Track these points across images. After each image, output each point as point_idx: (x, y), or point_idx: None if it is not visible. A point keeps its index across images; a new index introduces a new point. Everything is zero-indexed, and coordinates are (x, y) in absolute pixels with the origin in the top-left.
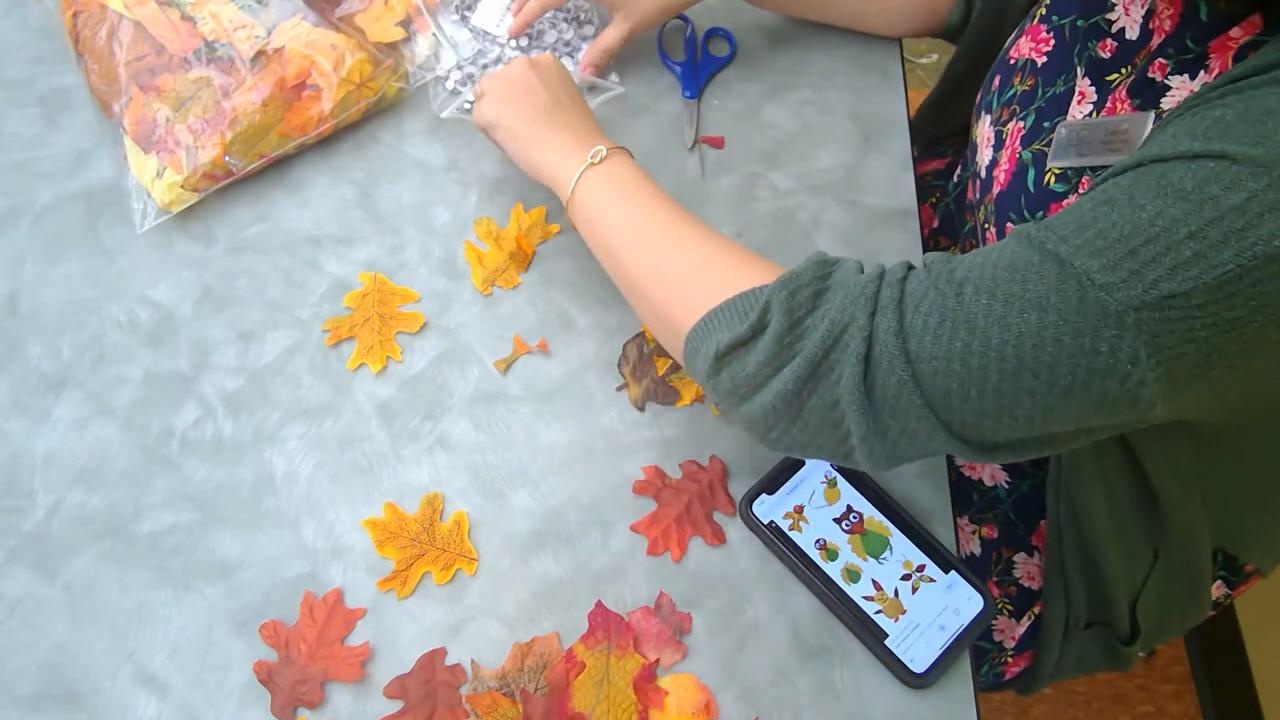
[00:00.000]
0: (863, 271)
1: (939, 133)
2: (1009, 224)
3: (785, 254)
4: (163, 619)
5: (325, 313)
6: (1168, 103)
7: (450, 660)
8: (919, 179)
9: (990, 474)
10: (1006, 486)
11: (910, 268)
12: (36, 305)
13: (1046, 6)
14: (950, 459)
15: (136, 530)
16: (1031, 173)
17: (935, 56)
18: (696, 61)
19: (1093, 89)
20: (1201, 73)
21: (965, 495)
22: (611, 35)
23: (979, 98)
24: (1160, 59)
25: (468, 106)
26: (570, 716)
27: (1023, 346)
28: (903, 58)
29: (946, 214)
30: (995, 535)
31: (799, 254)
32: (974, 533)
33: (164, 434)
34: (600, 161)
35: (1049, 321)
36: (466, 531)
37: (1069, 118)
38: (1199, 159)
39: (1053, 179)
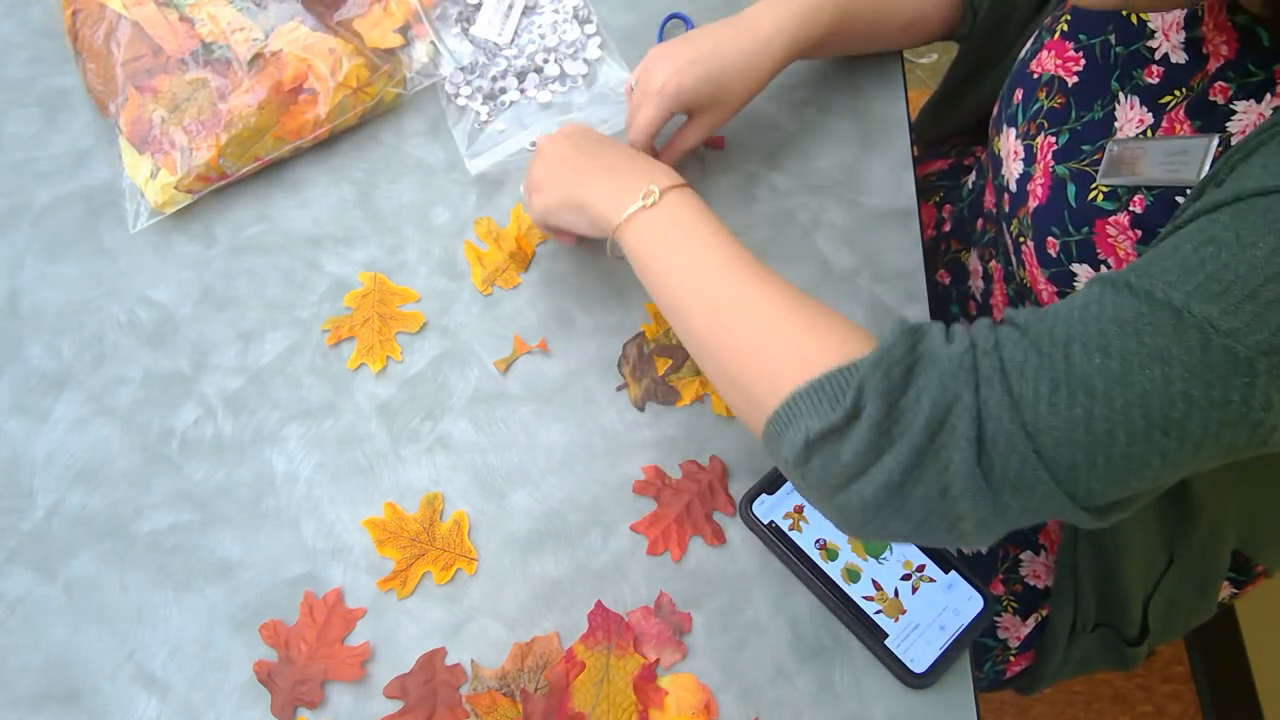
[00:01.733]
0: (948, 335)
1: (939, 134)
2: (1050, 238)
3: (785, 254)
4: (163, 619)
5: (325, 313)
6: (1234, 127)
7: (450, 660)
8: (921, 179)
9: None
10: None
11: (994, 327)
12: (36, 305)
13: (1069, 23)
14: None
15: (136, 530)
16: (1072, 188)
17: (935, 56)
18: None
19: (1149, 113)
20: (1268, 95)
21: None
22: (690, 137)
23: (998, 109)
24: (1220, 82)
25: (499, 158)
26: (570, 716)
27: (1149, 405)
28: (903, 58)
29: (959, 219)
30: None
31: (799, 254)
32: None
33: (164, 434)
34: (654, 204)
35: (1175, 375)
36: (466, 531)
37: (1118, 137)
38: None
39: (1100, 196)
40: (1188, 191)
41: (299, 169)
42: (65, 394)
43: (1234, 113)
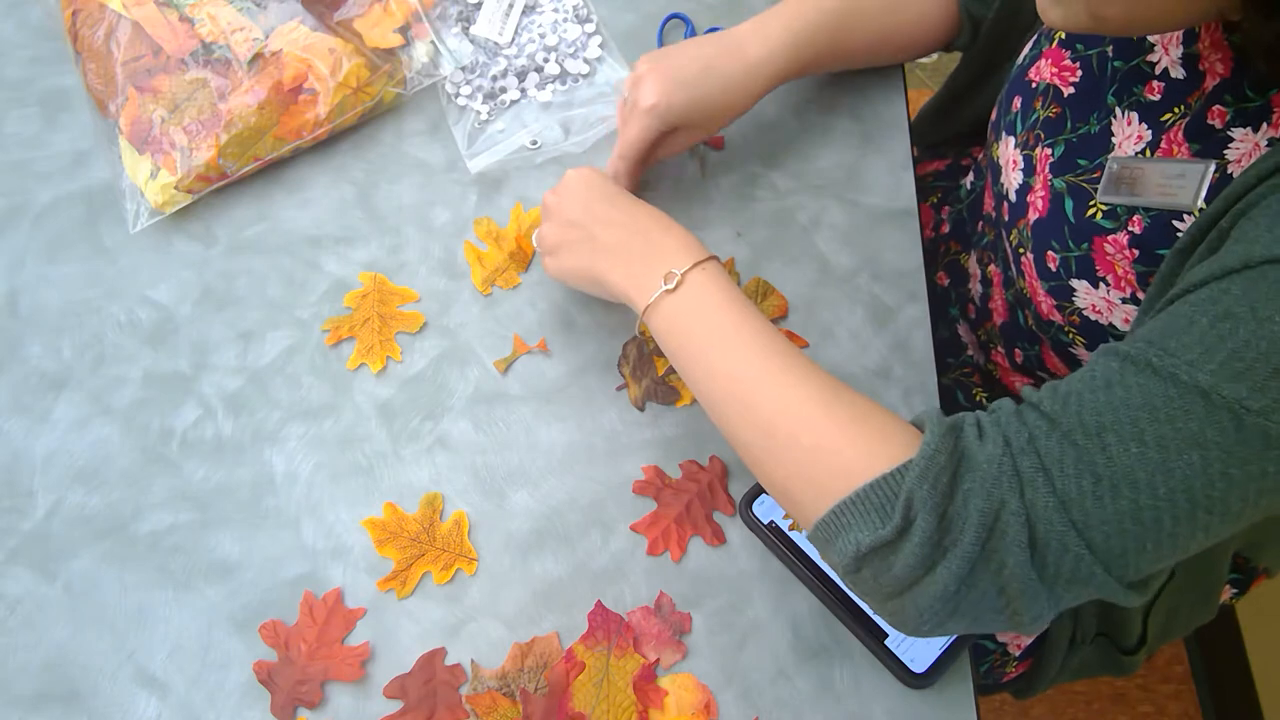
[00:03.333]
0: (980, 432)
1: (939, 137)
2: (1050, 252)
3: (785, 254)
4: (163, 619)
5: (325, 313)
6: (1232, 154)
7: (450, 660)
8: (920, 179)
9: None
10: None
11: (1020, 416)
12: (36, 305)
13: (1067, 32)
14: None
15: (136, 530)
16: (1070, 203)
17: (935, 56)
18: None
19: (1148, 130)
20: (1265, 125)
21: None
22: (672, 148)
23: (996, 115)
24: (1218, 105)
25: (499, 157)
26: (570, 716)
27: (1192, 489)
28: None
29: (958, 220)
30: None
31: (799, 254)
32: None
33: (164, 434)
34: (676, 287)
35: (1213, 458)
36: (466, 531)
37: (1116, 154)
38: None
39: (1100, 214)
40: (1185, 216)
41: (299, 169)
42: (65, 394)
43: (1231, 139)
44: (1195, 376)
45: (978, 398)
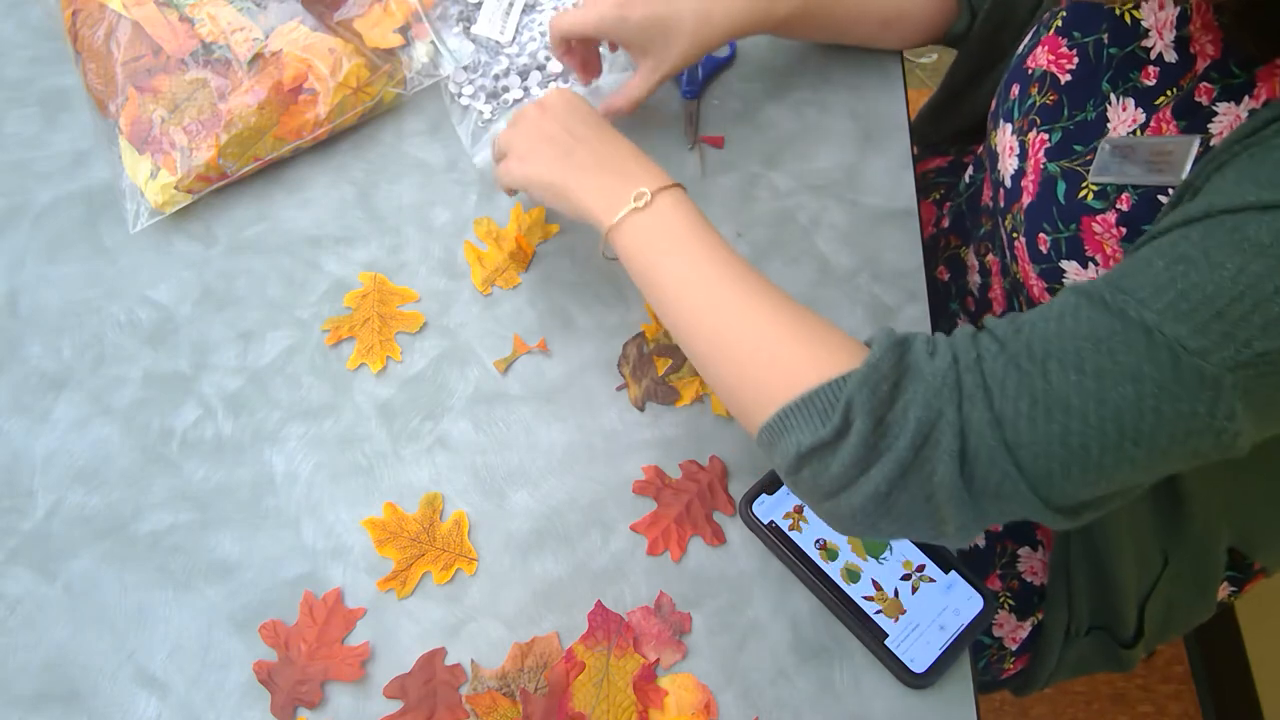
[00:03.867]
0: (930, 348)
1: (939, 136)
2: (1041, 235)
3: (785, 254)
4: (163, 619)
5: (325, 313)
6: (1215, 127)
7: (450, 660)
8: (921, 176)
9: None
10: None
11: (975, 337)
12: (36, 305)
13: (1064, 19)
14: None
15: (136, 530)
16: (1062, 186)
17: (935, 56)
18: (697, 61)
19: (1142, 114)
20: (1247, 98)
21: None
22: (639, 85)
23: (995, 105)
24: (1205, 83)
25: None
26: (570, 716)
27: (1122, 420)
28: (903, 58)
29: (958, 214)
30: (1000, 528)
31: (799, 254)
32: None
33: (164, 434)
34: (645, 205)
35: (1146, 393)
36: (466, 531)
37: (1111, 134)
38: (1270, 210)
39: (1090, 195)
40: (1170, 191)
41: (299, 169)
42: (65, 394)
43: (1215, 114)
44: (1142, 314)
45: None
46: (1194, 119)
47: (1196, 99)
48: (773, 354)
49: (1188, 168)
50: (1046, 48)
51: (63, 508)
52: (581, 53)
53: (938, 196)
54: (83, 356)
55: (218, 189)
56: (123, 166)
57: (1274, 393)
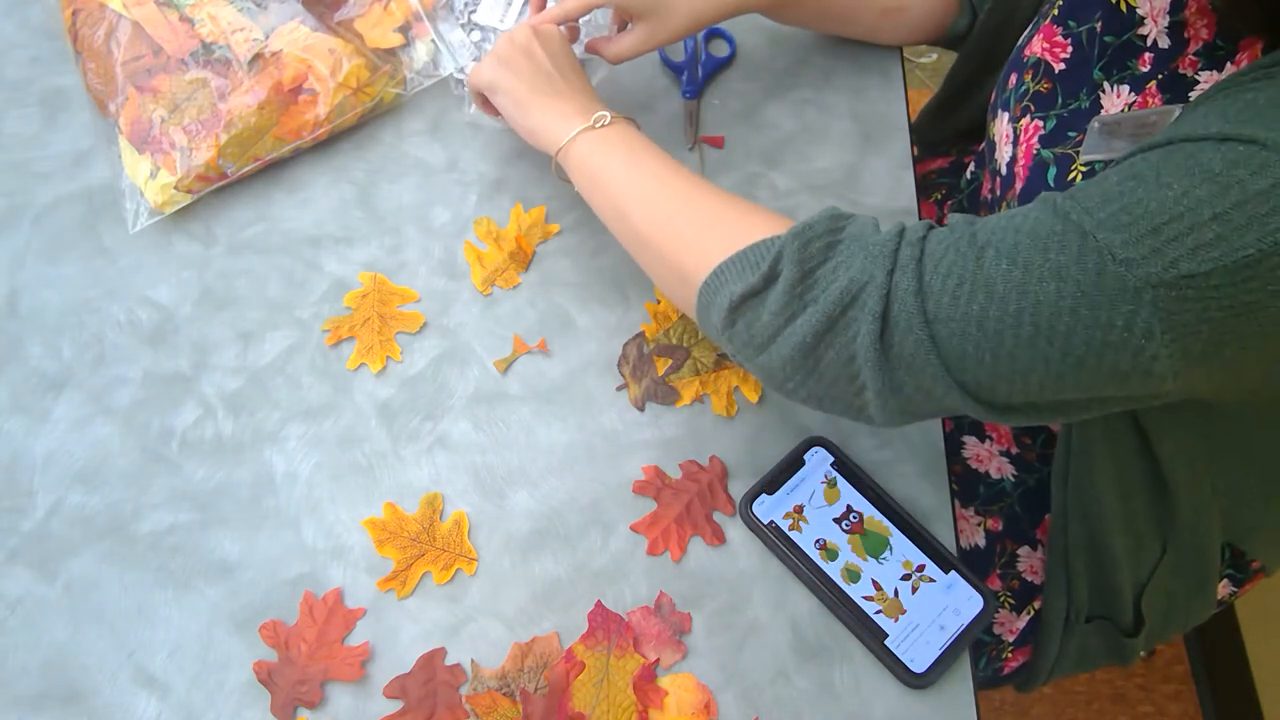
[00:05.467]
0: (878, 228)
1: (940, 135)
2: None
3: None
4: (163, 619)
5: (325, 313)
6: (1195, 94)
7: (450, 660)
8: (921, 177)
9: (997, 467)
10: (1013, 480)
11: (932, 227)
12: (36, 305)
13: (1060, 8)
14: (954, 450)
15: (136, 530)
16: (1053, 170)
17: (935, 56)
18: (696, 61)
19: (1131, 94)
20: (1229, 65)
21: (971, 487)
22: (628, 43)
23: (994, 96)
24: (1191, 56)
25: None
26: (570, 716)
27: (1039, 314)
28: (903, 58)
29: (959, 210)
30: (1000, 528)
31: None
32: (979, 525)
33: (164, 434)
34: (602, 127)
35: (1067, 292)
36: (466, 531)
37: (1101, 113)
38: (1228, 141)
39: (1079, 176)
40: None
41: (299, 169)
42: (65, 394)
43: (1197, 83)
44: (1082, 219)
45: None
46: (1177, 90)
47: (1181, 71)
48: (715, 226)
49: None
50: (1043, 36)
51: (63, 508)
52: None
53: (938, 197)
54: (83, 356)
55: (218, 189)
56: (123, 166)
57: (1196, 323)
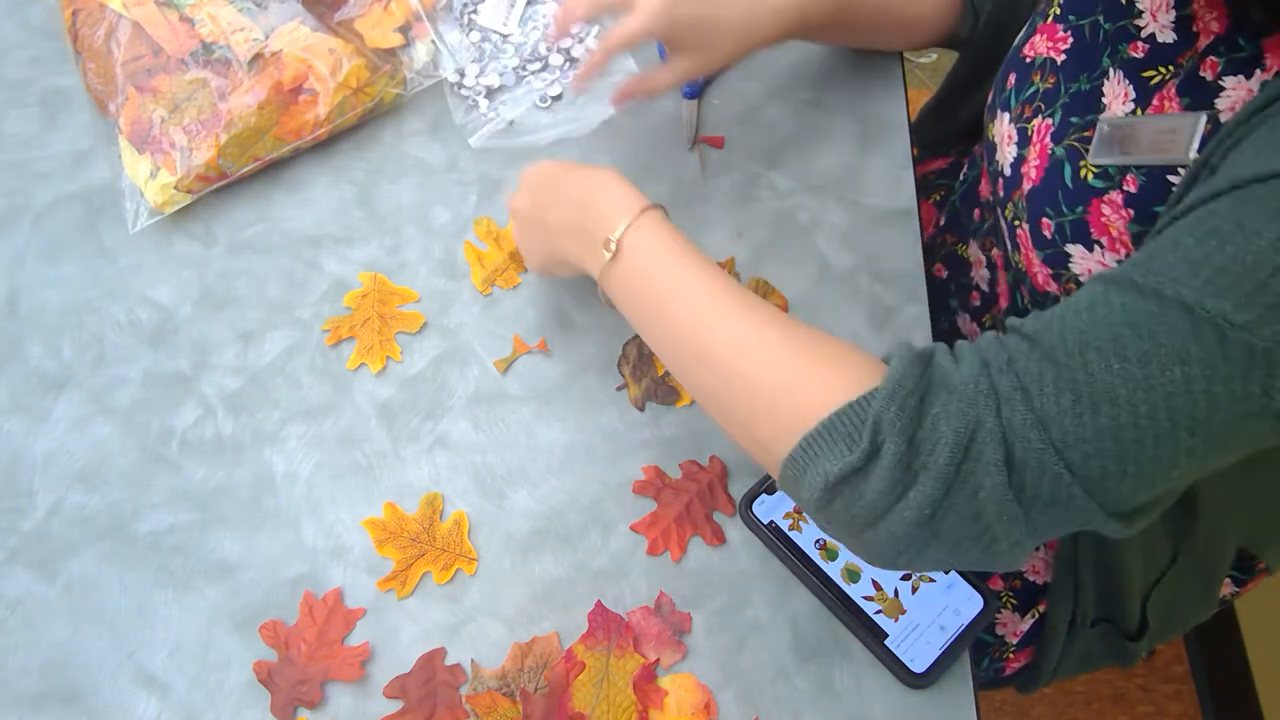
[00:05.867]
0: (955, 356)
1: (939, 136)
2: (1045, 219)
3: (785, 254)
4: (163, 619)
5: (325, 313)
6: (1223, 104)
7: (450, 660)
8: (921, 178)
9: None
10: None
11: (1001, 339)
12: (36, 305)
13: (1061, 6)
14: None
15: (136, 530)
16: (1067, 169)
17: (935, 56)
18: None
19: (1131, 87)
20: (1258, 71)
21: None
22: (667, 78)
23: (992, 96)
24: (1211, 58)
25: (498, 129)
26: (570, 716)
27: (1173, 407)
28: (902, 58)
29: (953, 211)
30: None
31: (799, 254)
32: None
33: (164, 434)
34: (615, 255)
35: (1194, 374)
36: (466, 531)
37: (1107, 115)
38: None
39: (1090, 175)
40: (1179, 171)
41: (299, 169)
42: (65, 394)
43: (1223, 89)
44: (1179, 291)
45: None
46: (1199, 96)
47: (1201, 74)
48: (784, 381)
49: (1195, 145)
50: (1044, 35)
51: (63, 508)
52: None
53: (938, 198)
54: (83, 356)
55: (218, 189)
56: (123, 166)
57: None
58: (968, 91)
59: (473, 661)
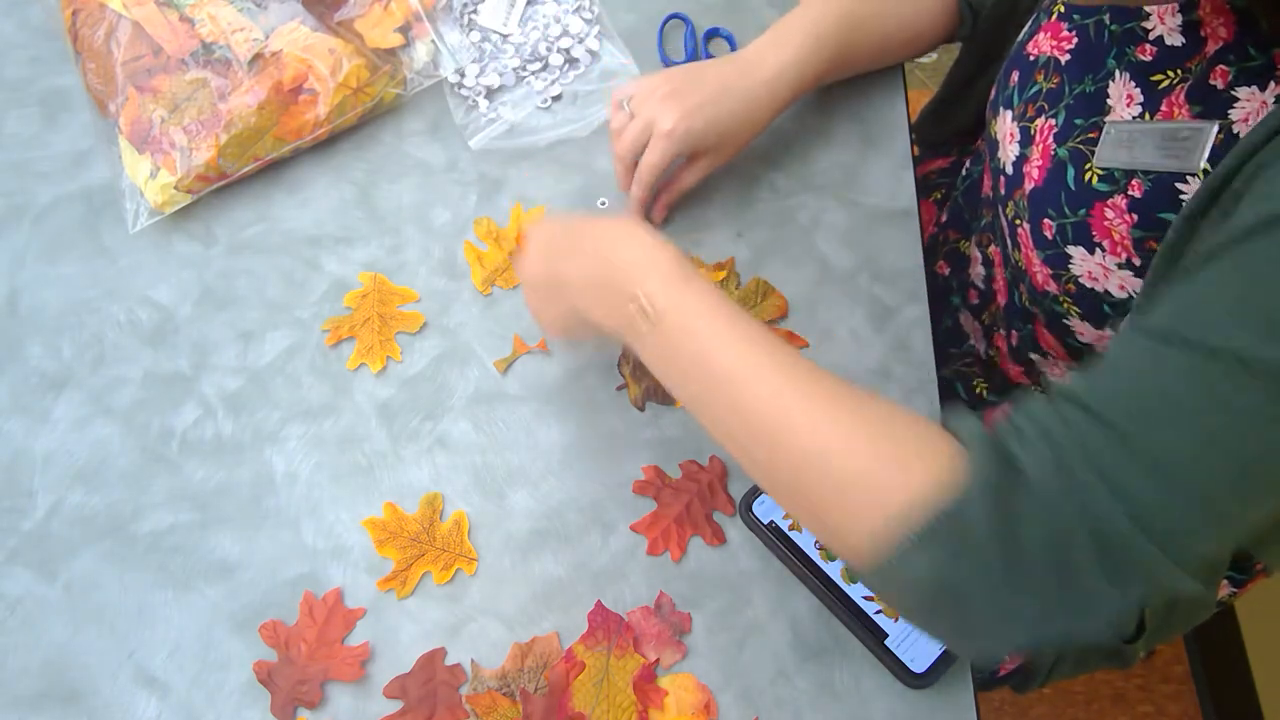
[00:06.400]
0: (1020, 437)
1: (940, 135)
2: (1047, 220)
3: (785, 254)
4: (163, 619)
5: (325, 313)
6: (1237, 114)
7: (450, 660)
8: (922, 177)
9: None
10: None
11: (1055, 409)
12: (36, 305)
13: (1065, 4)
14: None
15: (136, 530)
16: (1070, 170)
17: (935, 56)
18: (697, 61)
19: (1139, 90)
20: (1272, 83)
21: None
22: (690, 178)
23: (994, 93)
24: (1221, 65)
25: (498, 132)
26: (570, 716)
27: (1251, 466)
28: None
29: (955, 209)
30: None
31: (799, 254)
32: None
33: (164, 434)
34: (652, 314)
35: (1261, 425)
36: (466, 531)
37: (1113, 117)
38: None
39: (1095, 178)
40: (1188, 179)
41: (299, 169)
42: (65, 394)
43: (1236, 99)
44: (1231, 344)
45: (978, 389)
46: (1210, 104)
47: (1211, 82)
48: (860, 467)
49: (1205, 154)
50: (1048, 34)
51: (63, 508)
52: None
53: (939, 197)
54: (83, 356)
55: (218, 189)
56: (123, 166)
57: None
58: (969, 89)
59: (473, 661)
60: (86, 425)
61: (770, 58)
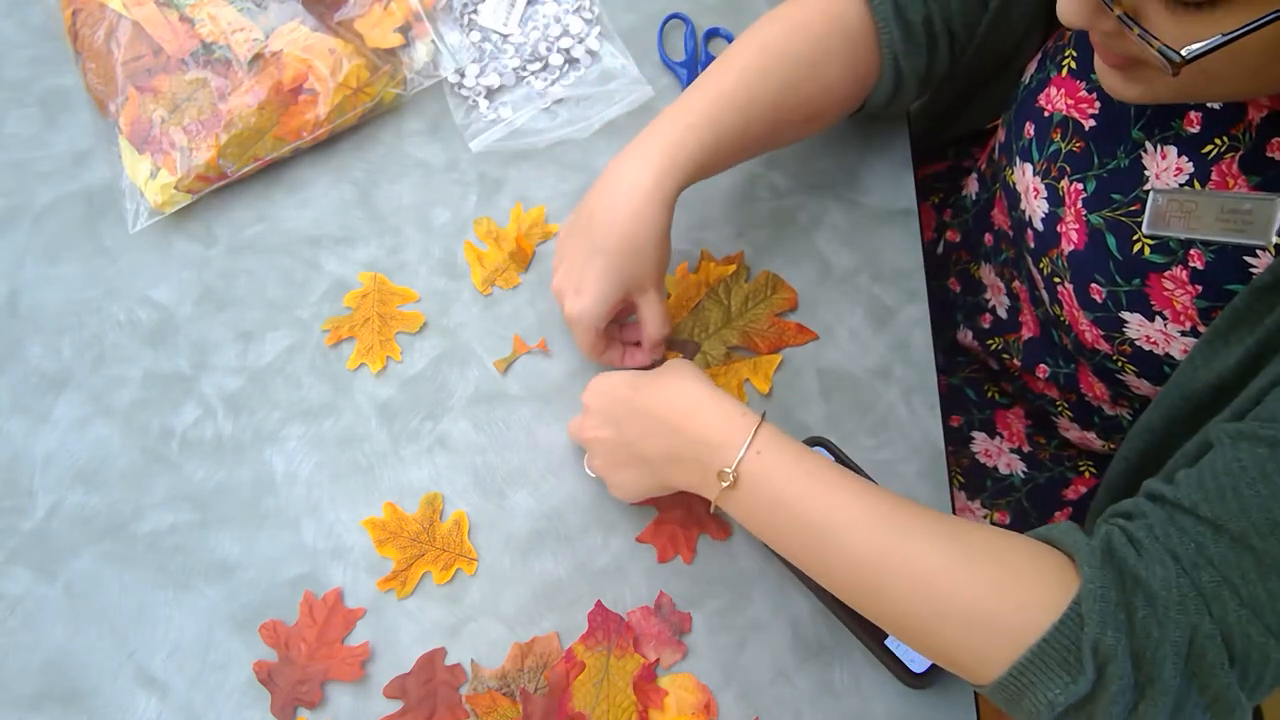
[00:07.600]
0: (1137, 549)
1: (934, 142)
2: (1094, 285)
3: (785, 254)
4: (163, 619)
5: (325, 313)
6: None
7: (450, 660)
8: (920, 181)
9: (1006, 463)
10: (1023, 476)
11: (1171, 518)
12: (36, 305)
13: (1076, 60)
14: (962, 444)
15: (136, 530)
16: (1112, 239)
17: None
18: (697, 61)
19: (1189, 163)
20: None
21: (979, 481)
22: (653, 322)
23: (1006, 139)
24: (1277, 138)
25: (499, 135)
26: (570, 716)
27: None
28: None
29: (966, 230)
30: (1008, 521)
31: (799, 254)
32: (985, 517)
33: (164, 434)
34: (735, 484)
35: None
36: (466, 531)
37: (1154, 185)
38: None
39: (1147, 249)
40: (1258, 252)
41: (299, 169)
42: (65, 394)
43: None
44: None
45: (989, 394)
46: (1270, 175)
47: (1270, 155)
48: (977, 604)
49: (1275, 228)
50: (1062, 90)
51: (63, 508)
52: (608, 336)
53: (936, 200)
54: (83, 356)
55: (218, 189)
56: (123, 166)
57: None
58: (954, 111)
59: (473, 661)
60: (86, 425)
61: (635, 168)
